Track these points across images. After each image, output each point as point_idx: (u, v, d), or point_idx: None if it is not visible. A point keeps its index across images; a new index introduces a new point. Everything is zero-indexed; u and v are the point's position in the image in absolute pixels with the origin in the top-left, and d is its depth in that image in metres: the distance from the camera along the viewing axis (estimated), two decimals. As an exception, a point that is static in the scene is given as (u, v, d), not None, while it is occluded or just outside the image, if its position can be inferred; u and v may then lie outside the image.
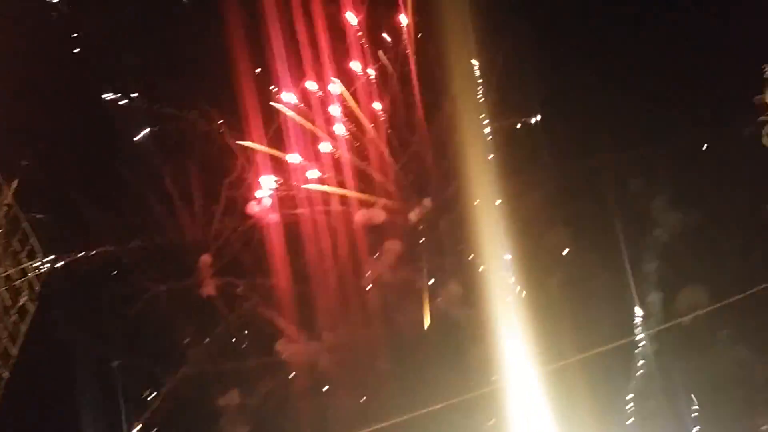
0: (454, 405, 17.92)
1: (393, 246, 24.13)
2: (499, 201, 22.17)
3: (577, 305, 20.58)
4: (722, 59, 20.01)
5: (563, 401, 18.38)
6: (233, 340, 23.00)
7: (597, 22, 21.44)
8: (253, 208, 24.42)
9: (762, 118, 19.08)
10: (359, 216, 24.43)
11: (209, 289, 23.69)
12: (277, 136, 24.02)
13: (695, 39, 20.39)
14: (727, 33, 20.15)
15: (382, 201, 24.43)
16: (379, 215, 24.53)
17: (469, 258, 22.29)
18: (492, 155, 23.42)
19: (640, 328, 20.25)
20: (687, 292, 20.13)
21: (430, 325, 21.95)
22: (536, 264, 21.45)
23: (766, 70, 18.83)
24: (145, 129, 24.02)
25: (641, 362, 19.98)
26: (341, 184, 24.16)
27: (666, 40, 20.72)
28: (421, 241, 23.85)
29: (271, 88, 23.45)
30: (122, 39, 22.61)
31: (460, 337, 20.99)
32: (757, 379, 19.19)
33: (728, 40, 20.15)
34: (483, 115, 24.04)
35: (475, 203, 22.67)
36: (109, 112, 23.11)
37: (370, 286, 23.52)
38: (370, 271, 23.71)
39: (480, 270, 21.36)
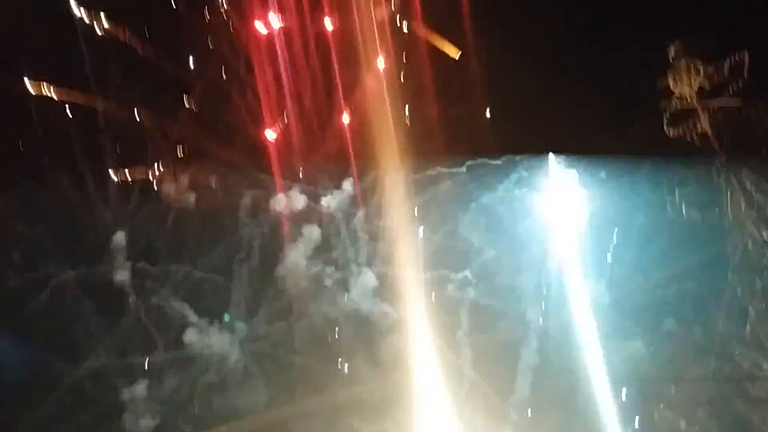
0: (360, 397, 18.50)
1: (310, 233, 23.68)
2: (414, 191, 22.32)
3: (482, 298, 20.92)
4: (624, 43, 19.75)
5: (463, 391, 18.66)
6: (141, 331, 22.34)
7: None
8: (169, 188, 23.71)
9: (663, 102, 19.11)
10: (276, 201, 23.92)
11: (120, 275, 22.99)
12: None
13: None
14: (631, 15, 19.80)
15: (299, 185, 23.88)
16: (297, 200, 24.04)
17: (384, 250, 22.10)
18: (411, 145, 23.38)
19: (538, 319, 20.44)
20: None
21: (342, 318, 21.75)
22: (448, 258, 21.41)
23: (669, 52, 18.73)
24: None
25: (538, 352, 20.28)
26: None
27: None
28: (337, 230, 23.41)
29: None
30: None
31: (371, 330, 20.88)
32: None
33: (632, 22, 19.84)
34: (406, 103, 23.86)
35: (393, 193, 22.55)
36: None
37: (285, 275, 23.11)
38: (285, 260, 23.28)
39: (393, 262, 21.17)
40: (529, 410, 19.78)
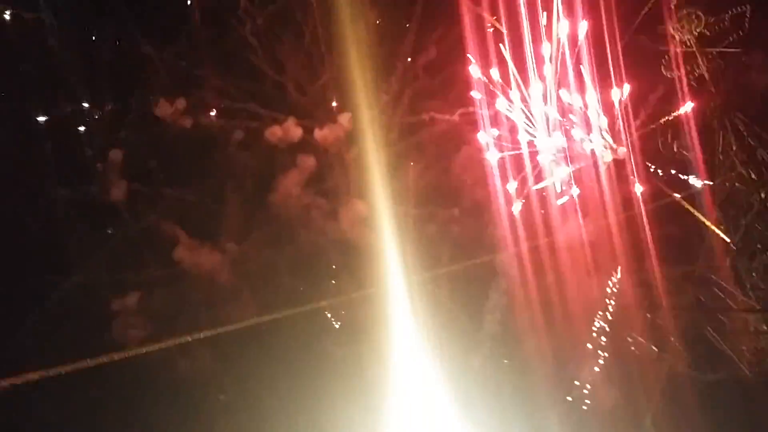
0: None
1: (305, 164, 23.87)
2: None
3: (461, 228, 21.57)
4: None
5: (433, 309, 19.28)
6: (133, 249, 22.66)
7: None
8: (165, 110, 23.86)
9: (662, 48, 19.22)
10: (272, 132, 24.06)
11: (114, 194, 23.25)
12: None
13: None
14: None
15: (294, 118, 24.00)
16: (294, 132, 24.17)
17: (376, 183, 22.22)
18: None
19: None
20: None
21: (329, 244, 22.06)
22: (436, 194, 21.95)
23: (672, 1, 18.88)
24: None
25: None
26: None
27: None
28: (330, 162, 23.59)
29: None
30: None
31: (354, 254, 21.22)
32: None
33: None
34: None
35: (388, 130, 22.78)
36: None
37: (278, 203, 23.36)
38: (279, 187, 23.49)
39: (379, 193, 21.41)
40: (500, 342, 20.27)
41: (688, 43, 19.06)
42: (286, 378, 20.18)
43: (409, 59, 24.42)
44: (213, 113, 24.58)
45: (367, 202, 21.88)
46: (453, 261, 19.41)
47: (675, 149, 19.72)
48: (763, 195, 18.67)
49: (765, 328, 18.32)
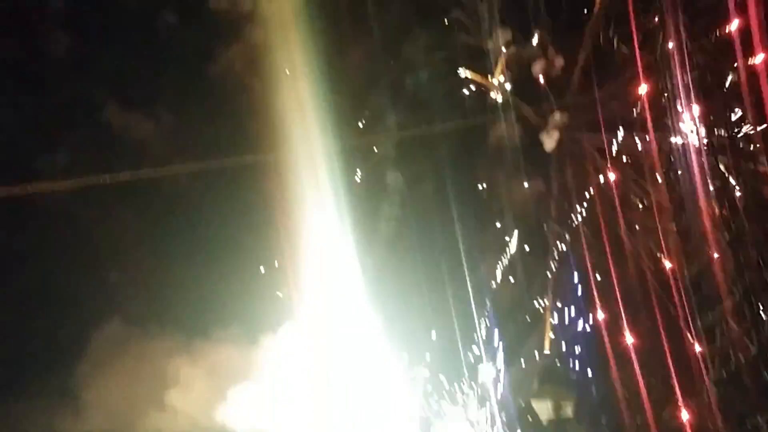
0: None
1: (247, 37, 23.26)
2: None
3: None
4: None
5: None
6: (65, 110, 22.06)
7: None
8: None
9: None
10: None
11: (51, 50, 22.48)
12: None
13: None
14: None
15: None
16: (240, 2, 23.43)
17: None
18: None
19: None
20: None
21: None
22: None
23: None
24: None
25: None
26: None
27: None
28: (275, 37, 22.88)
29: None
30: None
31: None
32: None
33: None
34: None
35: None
36: None
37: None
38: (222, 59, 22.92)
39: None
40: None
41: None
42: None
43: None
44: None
45: (308, 80, 21.56)
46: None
47: None
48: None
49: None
